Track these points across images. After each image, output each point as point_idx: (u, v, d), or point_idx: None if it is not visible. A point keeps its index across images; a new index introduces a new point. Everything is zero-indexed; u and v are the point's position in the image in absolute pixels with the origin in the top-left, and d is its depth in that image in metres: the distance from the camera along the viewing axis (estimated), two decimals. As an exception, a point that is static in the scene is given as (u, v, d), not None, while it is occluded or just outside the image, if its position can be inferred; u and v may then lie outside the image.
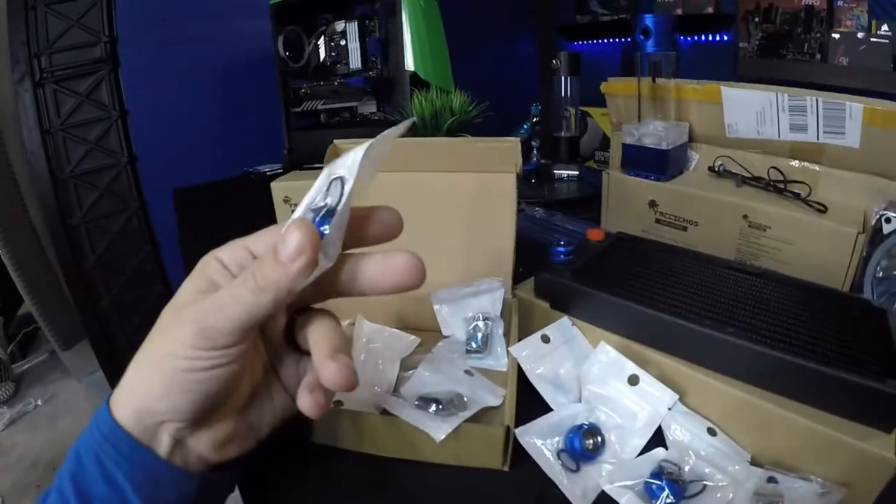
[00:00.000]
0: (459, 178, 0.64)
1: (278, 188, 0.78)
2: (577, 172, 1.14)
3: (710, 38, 1.82)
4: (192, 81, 1.55)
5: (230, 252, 0.30)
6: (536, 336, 0.51)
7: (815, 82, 1.46)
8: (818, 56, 1.54)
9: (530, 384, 0.50)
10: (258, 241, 0.30)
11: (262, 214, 0.79)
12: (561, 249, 0.54)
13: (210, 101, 1.54)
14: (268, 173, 1.16)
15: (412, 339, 0.58)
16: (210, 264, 0.30)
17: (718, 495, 0.41)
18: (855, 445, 0.39)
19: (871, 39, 1.50)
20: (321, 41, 1.20)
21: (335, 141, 0.70)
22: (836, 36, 1.53)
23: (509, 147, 0.61)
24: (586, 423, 0.45)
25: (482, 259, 0.63)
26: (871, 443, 0.39)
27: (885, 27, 1.50)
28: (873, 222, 0.61)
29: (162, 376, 0.28)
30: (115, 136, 0.86)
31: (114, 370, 0.98)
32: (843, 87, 1.42)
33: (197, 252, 0.30)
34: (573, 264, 0.55)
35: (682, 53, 1.70)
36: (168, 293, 1.42)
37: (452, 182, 0.64)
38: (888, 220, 0.59)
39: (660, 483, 0.41)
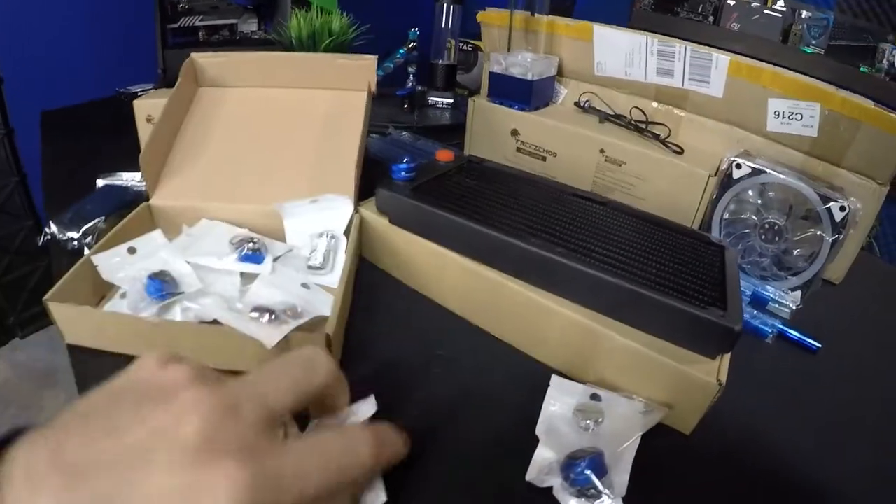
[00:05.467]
0: (314, 94, 0.62)
1: (141, 106, 0.73)
2: (452, 100, 1.12)
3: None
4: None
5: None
6: (123, 247, 0.50)
7: (703, 42, 1.50)
8: (711, 19, 1.58)
9: (370, 297, 0.51)
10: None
11: (129, 136, 0.73)
12: (402, 167, 0.53)
13: (82, 15, 1.41)
14: (139, 93, 1.08)
15: None
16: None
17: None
18: (680, 369, 0.41)
19: (765, 11, 1.55)
20: (202, -49, 1.12)
21: (193, 55, 0.66)
22: (732, 2, 1.57)
23: (364, 65, 0.59)
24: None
25: (330, 174, 0.61)
26: (695, 367, 0.40)
27: (780, 2, 1.55)
28: (725, 167, 0.63)
29: None
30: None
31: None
32: (730, 50, 1.46)
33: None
34: (415, 181, 0.54)
35: (579, -1, 1.70)
36: (38, 228, 1.31)
37: (307, 98, 0.62)
38: (738, 166, 0.62)
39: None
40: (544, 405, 0.42)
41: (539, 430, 0.40)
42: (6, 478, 0.22)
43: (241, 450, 0.23)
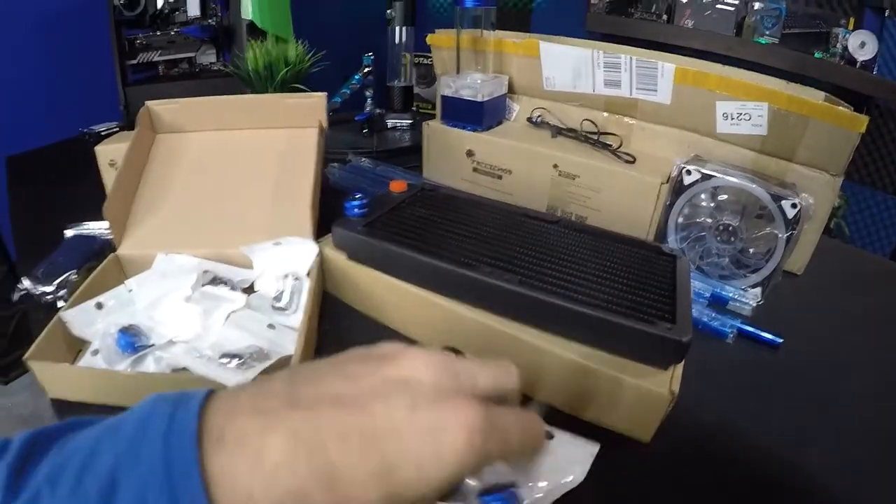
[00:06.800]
0: (267, 134, 0.63)
1: (103, 152, 0.73)
2: (411, 121, 1.13)
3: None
4: (17, 34, 1.39)
5: None
6: (91, 302, 0.51)
7: (659, 41, 1.52)
8: (665, 17, 1.60)
9: (337, 330, 0.52)
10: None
11: (95, 179, 0.74)
12: (354, 203, 0.54)
13: (38, 55, 1.40)
14: (103, 133, 1.08)
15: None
16: None
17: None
18: (632, 383, 0.42)
19: (718, 6, 1.56)
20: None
21: (147, 103, 0.67)
22: (684, 0, 1.59)
23: (313, 102, 0.61)
24: None
25: (288, 214, 0.61)
26: (647, 380, 0.42)
27: (732, -4, 1.57)
28: (675, 173, 0.64)
29: None
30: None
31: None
32: (686, 48, 1.49)
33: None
34: (368, 216, 0.55)
35: (536, 6, 1.72)
36: (13, 274, 1.30)
37: (260, 138, 0.64)
38: (689, 173, 0.63)
39: None
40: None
41: None
42: (225, 415, 0.23)
43: (470, 396, 0.25)
